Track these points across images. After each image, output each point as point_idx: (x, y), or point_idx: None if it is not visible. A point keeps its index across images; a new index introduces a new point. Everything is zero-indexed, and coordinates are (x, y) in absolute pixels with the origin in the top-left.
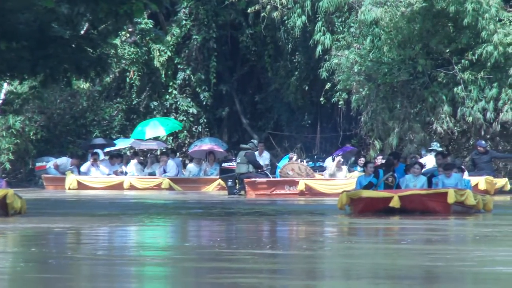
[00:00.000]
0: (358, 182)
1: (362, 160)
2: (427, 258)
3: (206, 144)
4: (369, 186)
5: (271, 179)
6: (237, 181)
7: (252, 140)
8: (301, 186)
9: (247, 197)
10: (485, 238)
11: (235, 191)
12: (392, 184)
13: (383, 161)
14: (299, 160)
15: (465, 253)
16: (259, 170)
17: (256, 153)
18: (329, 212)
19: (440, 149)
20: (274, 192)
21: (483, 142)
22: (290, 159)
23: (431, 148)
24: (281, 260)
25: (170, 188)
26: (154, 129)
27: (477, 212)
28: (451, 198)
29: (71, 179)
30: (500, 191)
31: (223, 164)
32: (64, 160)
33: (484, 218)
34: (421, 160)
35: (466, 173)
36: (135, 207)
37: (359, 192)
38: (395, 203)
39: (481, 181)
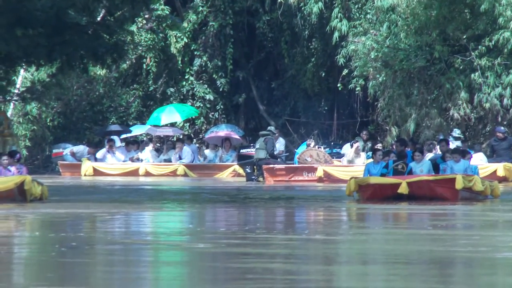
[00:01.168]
0: (366, 169)
1: (379, 146)
2: (449, 243)
3: (222, 131)
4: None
5: (290, 165)
6: (255, 167)
7: (269, 127)
8: (319, 173)
9: (265, 184)
10: (498, 223)
11: (253, 177)
12: (403, 171)
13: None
14: (316, 146)
15: (478, 239)
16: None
17: None
18: (343, 198)
19: (459, 135)
20: (292, 179)
21: (502, 128)
22: (308, 145)
23: (452, 134)
24: (296, 245)
25: (185, 175)
26: (170, 115)
27: (484, 198)
28: (459, 184)
29: (87, 166)
30: None
31: (241, 151)
32: (81, 148)
33: (492, 204)
34: None
35: (482, 156)
36: (152, 194)
37: (368, 178)
38: (403, 189)
39: (499, 168)
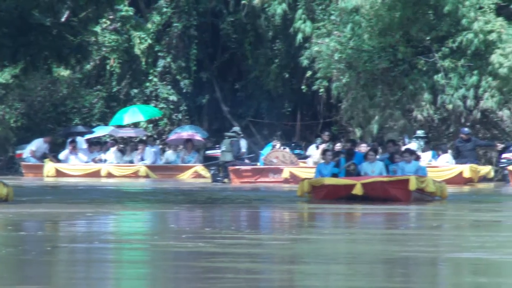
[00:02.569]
0: (317, 171)
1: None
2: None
3: (186, 132)
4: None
5: (256, 166)
6: (220, 168)
7: (234, 128)
8: (285, 174)
9: (231, 185)
10: (458, 223)
11: (219, 178)
12: (353, 172)
13: (367, 149)
14: (281, 147)
15: (438, 239)
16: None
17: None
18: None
19: (423, 136)
20: (258, 180)
21: (466, 129)
22: (274, 146)
23: (416, 135)
24: (257, 244)
25: (147, 176)
26: (133, 116)
27: (432, 199)
28: (412, 185)
29: (50, 167)
30: (484, 178)
31: (207, 152)
32: (39, 143)
33: (442, 204)
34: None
35: (449, 157)
36: (114, 194)
37: (322, 179)
38: (358, 190)
39: (465, 169)
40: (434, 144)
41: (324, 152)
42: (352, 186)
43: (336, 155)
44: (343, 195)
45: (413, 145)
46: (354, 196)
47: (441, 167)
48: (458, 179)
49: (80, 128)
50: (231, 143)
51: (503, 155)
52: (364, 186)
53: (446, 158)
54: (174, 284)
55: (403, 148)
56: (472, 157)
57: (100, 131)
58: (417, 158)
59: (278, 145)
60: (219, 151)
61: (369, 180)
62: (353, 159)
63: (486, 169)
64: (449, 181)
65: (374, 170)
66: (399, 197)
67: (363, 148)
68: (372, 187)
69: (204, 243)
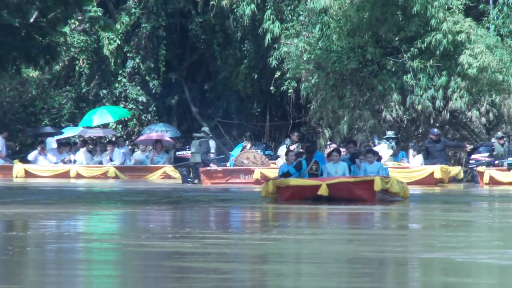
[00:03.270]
0: (280, 171)
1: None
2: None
3: (155, 132)
4: (287, 175)
5: (227, 167)
6: (190, 169)
7: (203, 129)
8: (256, 175)
9: (202, 185)
10: (425, 223)
11: (189, 179)
12: (316, 172)
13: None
14: (252, 148)
15: (406, 239)
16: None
17: None
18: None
19: (394, 136)
20: (229, 181)
21: (436, 130)
22: (244, 147)
23: (386, 136)
24: (225, 244)
25: (116, 177)
26: (101, 117)
27: (393, 199)
28: (377, 186)
29: (19, 168)
30: (454, 179)
31: (177, 153)
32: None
33: (405, 204)
34: (375, 149)
35: (421, 158)
36: (83, 196)
37: (287, 180)
38: (323, 191)
39: (436, 170)
40: (403, 145)
41: (287, 152)
42: (317, 187)
43: (299, 155)
44: (308, 195)
45: (383, 146)
46: (319, 197)
47: (412, 167)
48: (429, 180)
49: (49, 129)
50: (199, 143)
51: (472, 156)
52: (329, 187)
53: (419, 159)
54: (144, 284)
55: (376, 148)
56: (442, 158)
57: (69, 132)
58: (379, 159)
59: (248, 146)
60: (189, 152)
61: (334, 180)
62: (313, 157)
63: (456, 170)
64: (420, 182)
65: (337, 171)
66: (364, 197)
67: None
68: (338, 187)
69: (174, 242)
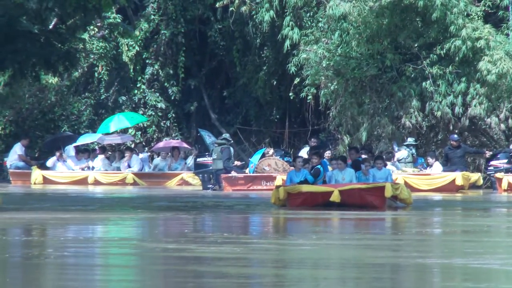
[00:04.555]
0: (288, 178)
1: (328, 154)
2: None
3: (173, 139)
4: (305, 183)
5: (248, 174)
6: (211, 176)
7: (224, 135)
8: (278, 181)
9: (223, 192)
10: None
11: (210, 186)
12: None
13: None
14: (274, 155)
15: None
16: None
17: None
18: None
19: (415, 143)
20: (251, 188)
21: (456, 136)
22: (266, 153)
23: (407, 143)
24: (243, 249)
25: (135, 183)
26: (118, 123)
27: (396, 205)
28: (388, 192)
29: (37, 174)
30: (473, 185)
31: (198, 159)
32: (19, 147)
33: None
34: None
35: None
36: (102, 201)
37: (300, 187)
38: (335, 197)
39: (458, 177)
40: (423, 151)
41: (294, 159)
42: (329, 193)
43: (306, 162)
44: (320, 202)
45: (403, 152)
46: (330, 203)
47: (433, 174)
48: (451, 187)
49: (66, 134)
50: (221, 150)
51: (491, 163)
52: (341, 193)
53: (438, 166)
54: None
55: (396, 155)
56: (462, 164)
57: (88, 139)
58: (385, 165)
59: (271, 152)
60: (210, 158)
61: (346, 187)
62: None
63: (475, 176)
64: (442, 189)
65: (345, 178)
66: (375, 203)
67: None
68: (349, 194)
69: (194, 246)
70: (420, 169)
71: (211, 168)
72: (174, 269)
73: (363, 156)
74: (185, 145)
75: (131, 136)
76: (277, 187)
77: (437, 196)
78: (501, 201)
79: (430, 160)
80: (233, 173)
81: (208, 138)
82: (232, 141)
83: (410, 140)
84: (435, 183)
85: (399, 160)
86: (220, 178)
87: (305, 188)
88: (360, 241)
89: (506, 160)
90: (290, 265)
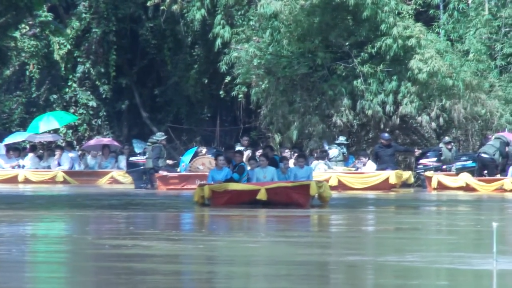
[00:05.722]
0: (210, 176)
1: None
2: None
3: (104, 137)
4: (230, 181)
5: (183, 173)
6: (144, 175)
7: (157, 134)
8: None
9: (156, 190)
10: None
11: (142, 185)
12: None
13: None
14: (207, 153)
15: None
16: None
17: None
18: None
19: (346, 142)
20: (185, 187)
21: (387, 134)
22: (199, 152)
23: (338, 141)
24: (173, 246)
25: (64, 181)
26: (48, 123)
27: (316, 203)
28: (313, 190)
29: None
30: (404, 184)
31: (131, 158)
32: None
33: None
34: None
35: (367, 161)
36: (32, 200)
37: (225, 185)
38: (262, 195)
39: (391, 175)
40: (354, 150)
41: (216, 157)
42: (256, 192)
43: (228, 161)
44: (246, 200)
45: (334, 151)
46: (255, 202)
47: (367, 173)
48: (384, 185)
49: None
50: (152, 149)
51: (420, 161)
52: (267, 191)
53: (372, 164)
54: (94, 285)
55: (329, 153)
56: (392, 163)
57: (19, 137)
58: (307, 163)
59: (204, 151)
60: (143, 157)
61: (273, 185)
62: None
63: (406, 175)
64: (375, 187)
65: (266, 176)
66: (300, 202)
67: (286, 153)
68: (276, 192)
69: (126, 243)
70: (356, 167)
71: (142, 167)
72: (105, 266)
73: (283, 154)
74: (115, 143)
75: (62, 136)
76: (201, 185)
77: (370, 195)
78: (431, 200)
79: (363, 159)
80: (164, 172)
81: (139, 148)
82: (161, 140)
83: (341, 139)
84: (369, 181)
85: (329, 159)
86: (154, 177)
87: (231, 186)
88: (289, 238)
89: (435, 159)
90: (220, 262)
